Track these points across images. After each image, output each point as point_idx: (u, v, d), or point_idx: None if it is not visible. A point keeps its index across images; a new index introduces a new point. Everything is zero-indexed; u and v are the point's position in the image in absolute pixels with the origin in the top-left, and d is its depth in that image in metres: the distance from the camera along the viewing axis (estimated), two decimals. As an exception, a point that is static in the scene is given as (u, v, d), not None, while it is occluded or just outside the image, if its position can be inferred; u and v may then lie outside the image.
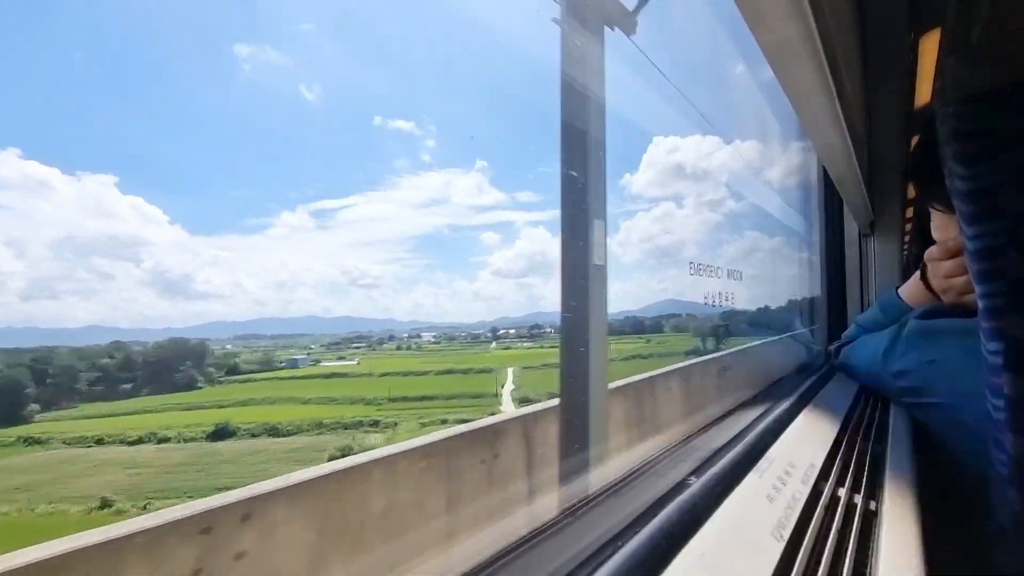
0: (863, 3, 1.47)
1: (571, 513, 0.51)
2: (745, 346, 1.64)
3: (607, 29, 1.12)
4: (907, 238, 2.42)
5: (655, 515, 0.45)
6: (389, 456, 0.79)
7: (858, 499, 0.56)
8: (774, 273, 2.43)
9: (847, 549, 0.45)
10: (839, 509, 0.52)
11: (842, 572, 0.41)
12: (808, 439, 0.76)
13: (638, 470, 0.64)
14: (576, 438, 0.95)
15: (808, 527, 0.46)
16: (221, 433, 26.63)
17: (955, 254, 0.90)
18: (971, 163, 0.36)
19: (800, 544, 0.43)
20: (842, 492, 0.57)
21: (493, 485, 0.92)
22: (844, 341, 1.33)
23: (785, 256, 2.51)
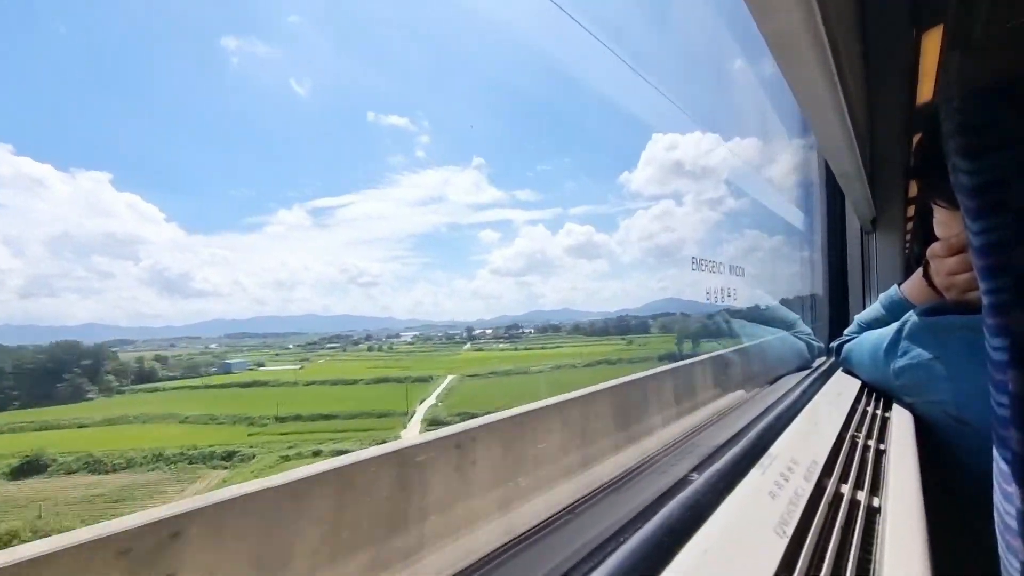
0: (865, 0, 1.46)
1: (572, 510, 0.51)
2: (734, 348, 1.47)
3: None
4: (909, 235, 2.41)
5: (658, 511, 0.45)
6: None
7: (861, 496, 0.56)
8: (775, 271, 2.43)
9: (851, 545, 0.45)
10: (842, 505, 0.52)
11: (846, 568, 0.41)
12: (810, 436, 0.75)
13: (639, 467, 0.63)
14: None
15: (811, 523, 0.46)
16: (25, 468, 20.18)
17: (958, 251, 0.90)
18: (976, 157, 0.36)
19: (803, 540, 0.42)
20: (845, 489, 0.57)
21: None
22: (846, 338, 1.33)
23: (786, 255, 2.51)
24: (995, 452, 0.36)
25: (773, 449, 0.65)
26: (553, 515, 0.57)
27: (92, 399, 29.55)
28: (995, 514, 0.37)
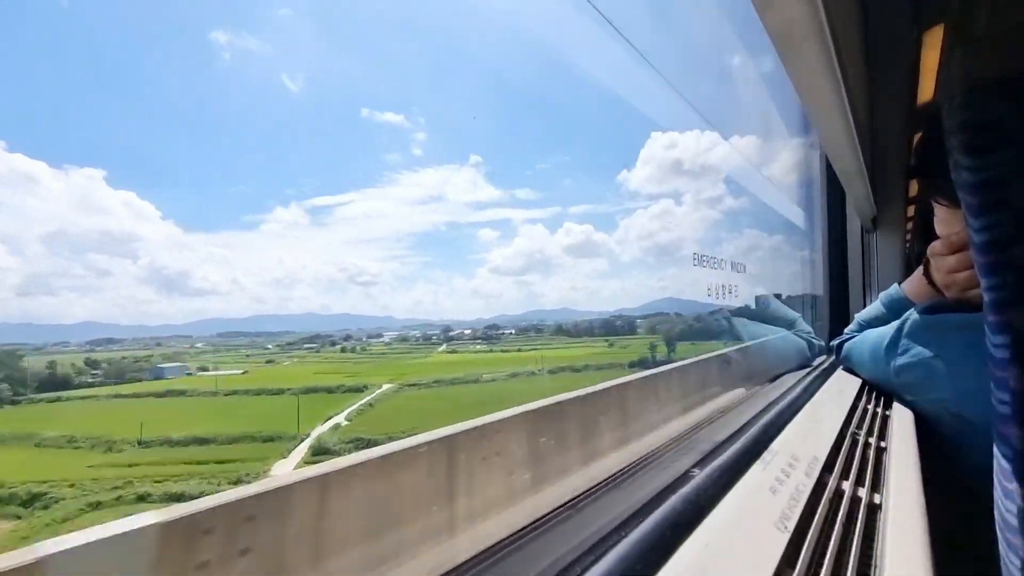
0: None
1: (573, 505, 0.51)
2: (730, 348, 1.34)
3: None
4: (910, 234, 2.41)
5: (659, 506, 0.45)
6: None
7: (862, 492, 0.56)
8: (775, 270, 2.43)
9: (852, 541, 0.45)
10: (843, 502, 0.52)
11: (847, 563, 0.41)
12: (811, 433, 0.76)
13: (640, 462, 0.64)
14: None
15: (813, 519, 0.46)
16: None
17: (958, 249, 0.90)
18: (978, 154, 0.36)
19: (805, 536, 0.43)
20: (846, 485, 0.57)
21: None
22: (846, 337, 1.33)
23: (786, 253, 2.52)
24: (995, 449, 0.36)
25: (774, 445, 0.65)
26: None
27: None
28: (995, 511, 0.38)
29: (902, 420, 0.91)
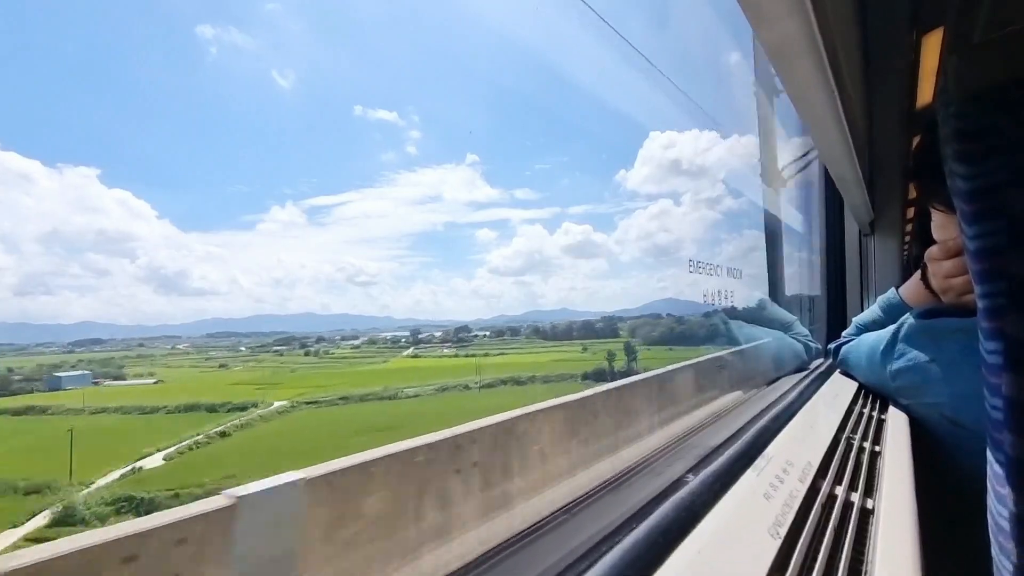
0: (865, 3, 1.47)
1: (567, 510, 0.51)
2: (721, 352, 1.22)
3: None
4: (908, 238, 2.42)
5: (652, 512, 0.45)
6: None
7: (855, 497, 0.56)
8: (774, 273, 2.43)
9: (844, 546, 0.45)
10: (836, 507, 0.53)
11: (838, 569, 0.41)
12: (806, 437, 0.76)
13: (635, 468, 0.64)
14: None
15: (805, 525, 0.46)
16: None
17: (955, 254, 0.90)
18: (972, 162, 0.36)
19: (796, 541, 0.43)
20: (839, 490, 0.57)
21: None
22: (843, 340, 1.33)
23: (784, 255, 2.52)
24: (989, 455, 0.37)
25: (769, 451, 0.65)
26: None
27: None
28: (988, 516, 0.38)
29: (897, 424, 0.91)
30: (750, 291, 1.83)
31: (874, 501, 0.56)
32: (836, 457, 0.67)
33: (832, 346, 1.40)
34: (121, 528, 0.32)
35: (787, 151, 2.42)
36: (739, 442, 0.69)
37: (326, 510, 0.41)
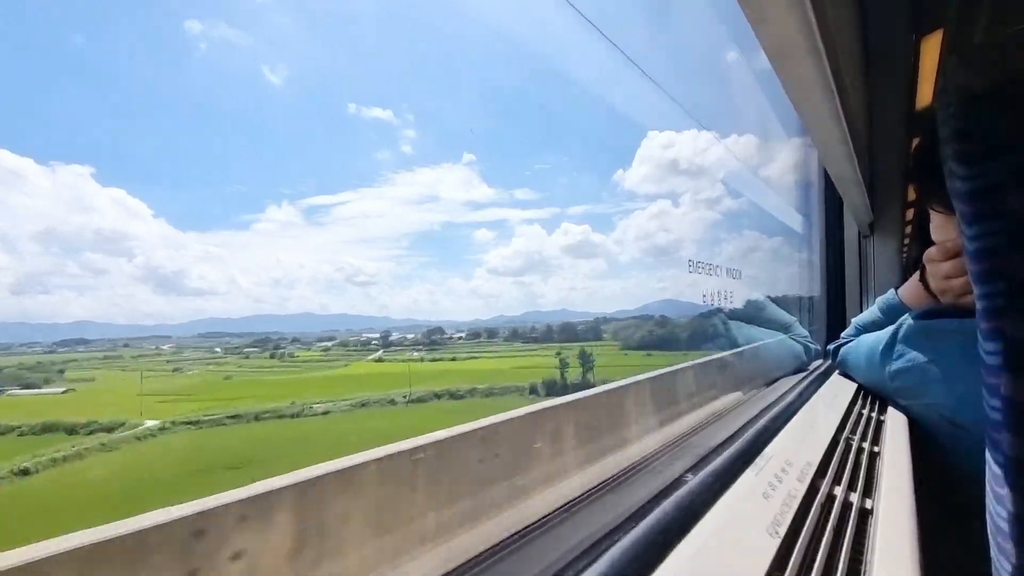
0: (865, 5, 1.47)
1: (567, 509, 0.51)
2: (709, 358, 1.10)
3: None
4: (907, 240, 2.42)
5: (652, 511, 0.45)
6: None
7: (854, 497, 0.56)
8: (773, 273, 2.43)
9: (842, 546, 0.45)
10: (835, 507, 0.53)
11: (837, 568, 0.42)
12: (805, 438, 0.76)
13: (636, 466, 0.64)
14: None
15: (804, 524, 0.46)
16: None
17: (954, 255, 0.90)
18: (971, 163, 0.36)
19: (795, 541, 0.43)
20: (838, 490, 0.57)
21: None
22: (843, 341, 1.33)
23: (784, 256, 2.52)
24: (988, 455, 0.37)
25: (768, 450, 0.66)
26: None
27: None
28: (987, 517, 0.38)
29: (896, 425, 0.91)
30: (750, 292, 1.83)
31: (873, 501, 0.56)
32: (835, 457, 0.67)
33: (831, 347, 1.40)
34: None
35: (787, 149, 2.42)
36: (738, 442, 0.69)
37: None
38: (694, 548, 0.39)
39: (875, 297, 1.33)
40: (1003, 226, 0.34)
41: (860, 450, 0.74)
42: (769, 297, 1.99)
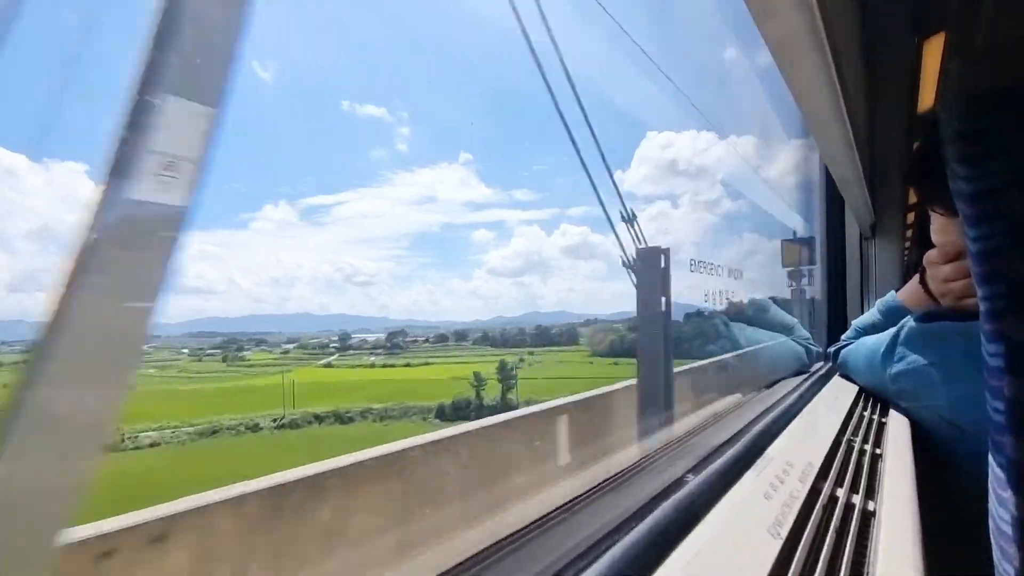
0: (867, 7, 1.47)
1: (567, 508, 0.51)
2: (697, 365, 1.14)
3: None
4: (909, 241, 2.42)
5: (652, 511, 0.45)
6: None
7: (856, 499, 0.56)
8: (773, 275, 2.43)
9: (845, 547, 0.45)
10: (837, 508, 0.52)
11: (840, 570, 0.41)
12: (806, 439, 0.76)
13: (635, 467, 0.64)
14: None
15: (806, 525, 0.46)
16: None
17: (954, 258, 0.90)
18: (974, 164, 0.36)
19: (798, 542, 0.43)
20: (840, 492, 0.57)
21: None
22: (843, 343, 1.33)
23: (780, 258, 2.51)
24: (990, 457, 0.37)
25: (769, 452, 0.65)
26: None
27: None
28: (990, 520, 0.38)
29: (898, 427, 0.91)
30: (750, 292, 1.83)
31: (875, 504, 0.56)
32: (837, 459, 0.67)
33: (832, 349, 1.40)
34: None
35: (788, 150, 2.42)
36: (739, 443, 0.69)
37: None
38: (695, 547, 0.39)
39: (876, 299, 1.33)
40: (1005, 227, 0.34)
41: (862, 452, 0.73)
42: (771, 298, 1.99)
